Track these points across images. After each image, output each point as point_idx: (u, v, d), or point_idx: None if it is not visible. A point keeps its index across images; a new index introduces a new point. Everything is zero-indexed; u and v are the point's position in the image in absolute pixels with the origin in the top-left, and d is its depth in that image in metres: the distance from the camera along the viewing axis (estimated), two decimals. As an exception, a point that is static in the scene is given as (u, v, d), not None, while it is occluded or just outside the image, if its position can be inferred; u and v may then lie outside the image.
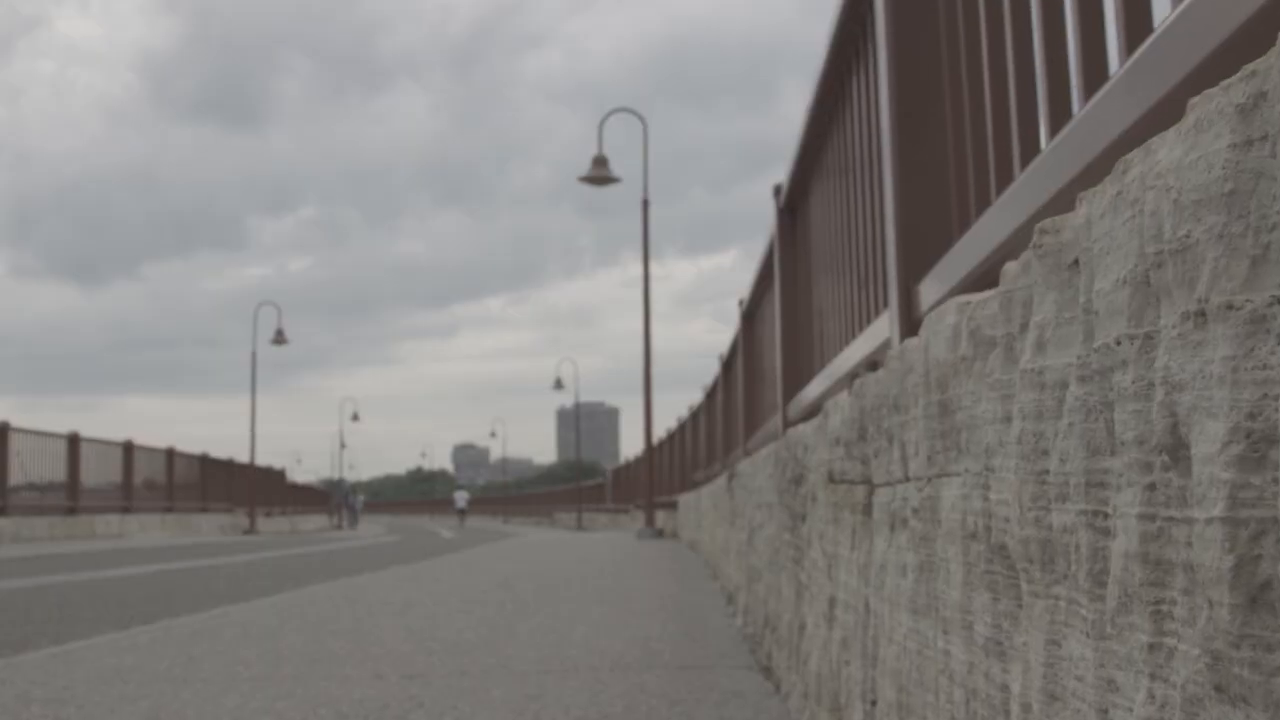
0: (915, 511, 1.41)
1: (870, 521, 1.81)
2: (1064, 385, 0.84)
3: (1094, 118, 1.22)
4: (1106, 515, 0.76)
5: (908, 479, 1.47)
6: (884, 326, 2.46)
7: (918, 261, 2.20)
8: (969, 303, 1.15)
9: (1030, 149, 1.68)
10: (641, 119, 20.49)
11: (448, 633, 4.99)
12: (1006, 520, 0.98)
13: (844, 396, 2.16)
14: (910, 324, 2.19)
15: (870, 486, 1.81)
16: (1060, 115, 1.52)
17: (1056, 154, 1.36)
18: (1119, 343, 0.72)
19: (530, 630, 5.04)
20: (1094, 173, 1.17)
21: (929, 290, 2.09)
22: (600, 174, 19.56)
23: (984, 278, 1.74)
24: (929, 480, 1.33)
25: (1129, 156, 0.72)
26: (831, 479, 2.24)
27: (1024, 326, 0.94)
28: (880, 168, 2.53)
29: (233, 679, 3.77)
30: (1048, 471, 0.87)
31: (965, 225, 1.99)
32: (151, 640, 4.93)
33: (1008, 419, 0.98)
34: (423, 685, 3.58)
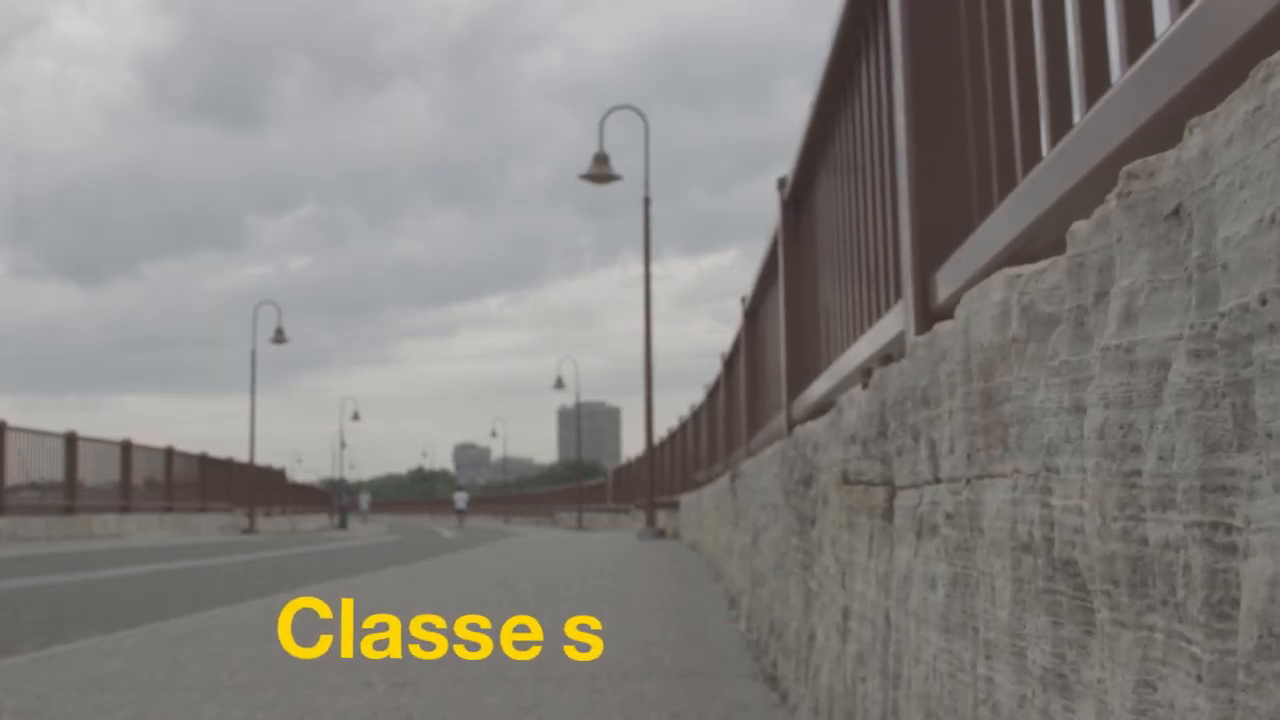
0: (949, 517, 1.24)
1: (891, 527, 1.64)
2: (1164, 364, 0.67)
3: (1143, 77, 1.06)
4: (1232, 528, 0.59)
5: (938, 480, 1.31)
6: (896, 320, 2.31)
7: (935, 249, 2.05)
8: (1019, 275, 0.98)
9: (1062, 123, 1.52)
10: (642, 115, 20.33)
11: (442, 637, 4.84)
12: (1077, 531, 0.81)
13: (858, 391, 2.01)
14: (927, 315, 2.04)
15: (892, 488, 1.65)
16: (1098, 83, 1.36)
17: (1096, 122, 1.20)
18: (1264, 302, 0.54)
19: (527, 635, 4.89)
20: (1133, 147, 1.01)
21: (947, 279, 1.94)
22: (601, 171, 19.40)
23: (1015, 258, 1.58)
24: (967, 482, 1.16)
25: (1272, 59, 0.55)
26: (846, 480, 2.08)
27: (1100, 296, 0.77)
28: (893, 152, 2.38)
29: (216, 687, 3.62)
30: (1140, 473, 0.70)
31: (988, 208, 1.83)
32: (136, 644, 4.78)
33: (1078, 409, 0.81)
34: (413, 694, 3.42)
